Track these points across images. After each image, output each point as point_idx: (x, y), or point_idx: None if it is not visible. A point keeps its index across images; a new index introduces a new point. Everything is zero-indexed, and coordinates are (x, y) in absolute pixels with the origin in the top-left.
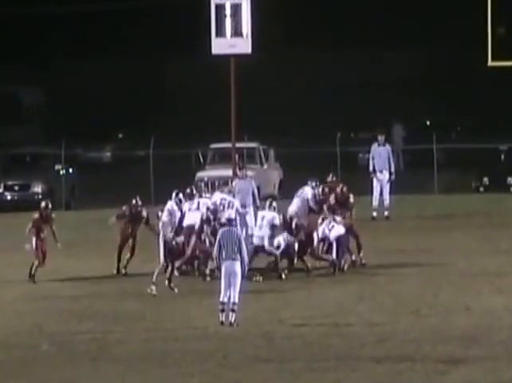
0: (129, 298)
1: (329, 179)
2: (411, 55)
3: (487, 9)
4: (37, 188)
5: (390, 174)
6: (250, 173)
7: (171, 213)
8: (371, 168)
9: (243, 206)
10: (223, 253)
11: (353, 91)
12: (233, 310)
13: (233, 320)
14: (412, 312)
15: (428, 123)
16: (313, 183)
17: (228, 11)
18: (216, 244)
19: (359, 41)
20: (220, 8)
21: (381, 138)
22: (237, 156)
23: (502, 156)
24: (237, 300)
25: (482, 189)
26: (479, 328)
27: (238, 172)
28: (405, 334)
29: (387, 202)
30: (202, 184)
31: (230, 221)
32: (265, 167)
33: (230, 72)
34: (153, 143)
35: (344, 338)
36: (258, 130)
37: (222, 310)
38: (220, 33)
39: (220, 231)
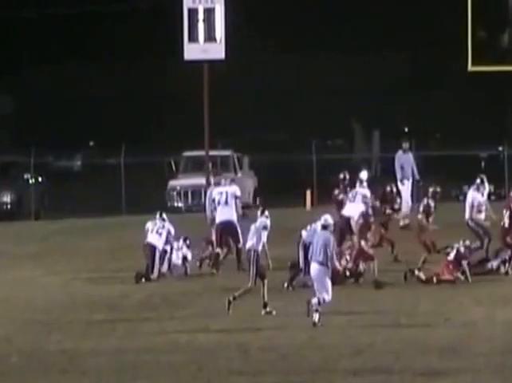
0: (100, 309)
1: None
2: (387, 60)
3: (467, 13)
4: (6, 198)
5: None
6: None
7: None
8: (399, 176)
9: None
10: None
11: (328, 97)
12: (316, 311)
13: (316, 319)
14: (391, 323)
15: (406, 130)
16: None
17: (201, 16)
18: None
19: (334, 46)
20: (193, 12)
21: (405, 145)
22: (210, 164)
23: (483, 164)
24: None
25: (461, 197)
26: (459, 339)
27: (213, 180)
28: (383, 345)
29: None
30: (175, 193)
31: (325, 226)
32: (240, 175)
33: (203, 78)
34: (125, 151)
35: (319, 350)
36: (232, 138)
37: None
38: (193, 38)
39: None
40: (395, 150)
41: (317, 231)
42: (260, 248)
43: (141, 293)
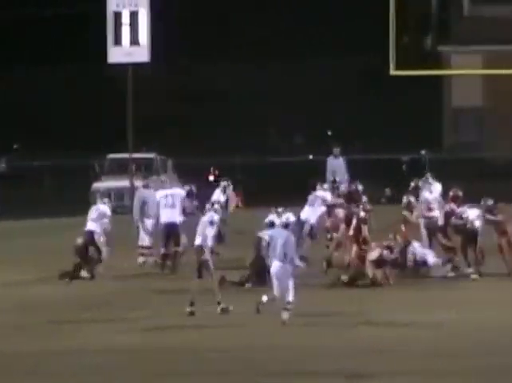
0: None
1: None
2: (311, 64)
3: (390, 17)
4: None
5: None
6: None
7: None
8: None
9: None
10: None
11: (251, 101)
12: (286, 309)
13: (285, 317)
14: (321, 325)
15: (329, 133)
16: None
17: (125, 19)
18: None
19: (260, 50)
20: (117, 16)
21: (336, 150)
22: (134, 167)
23: (404, 167)
24: (291, 299)
25: (383, 200)
26: (390, 342)
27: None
28: (307, 349)
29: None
30: (98, 195)
31: (286, 225)
32: (163, 178)
33: (128, 80)
34: (49, 153)
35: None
36: (157, 141)
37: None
38: (117, 41)
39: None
40: (322, 154)
41: (278, 230)
42: (210, 244)
43: (80, 293)
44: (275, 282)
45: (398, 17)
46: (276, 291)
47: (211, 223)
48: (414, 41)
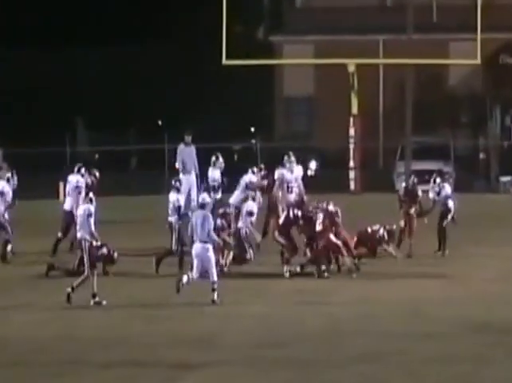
0: None
1: None
2: (137, 52)
3: (222, 7)
4: None
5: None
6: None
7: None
8: (181, 170)
9: None
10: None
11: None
12: (213, 289)
13: (215, 298)
14: (144, 316)
15: (160, 123)
16: None
17: None
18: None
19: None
20: None
21: (188, 138)
22: None
23: (236, 156)
24: (215, 278)
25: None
26: (212, 332)
27: None
28: (137, 338)
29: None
30: None
31: (203, 205)
32: None
33: None
34: None
35: (75, 342)
36: None
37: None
38: None
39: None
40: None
41: (196, 211)
42: (88, 237)
43: None
44: (195, 263)
45: (230, 7)
46: (195, 272)
47: (89, 215)
48: (246, 32)
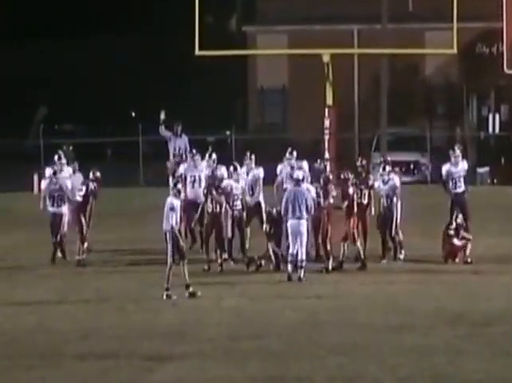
0: None
1: None
2: (110, 44)
3: None
4: None
5: None
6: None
7: None
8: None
9: None
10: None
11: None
12: (301, 267)
13: (302, 275)
14: (117, 308)
15: (134, 114)
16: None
17: None
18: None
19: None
20: None
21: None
22: None
23: (210, 148)
24: (304, 257)
25: None
26: (186, 324)
27: None
28: (110, 331)
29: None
30: None
31: (298, 181)
32: None
33: None
34: None
35: (48, 334)
36: None
37: (291, 262)
38: None
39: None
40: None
41: (290, 188)
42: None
43: None
44: (291, 239)
45: None
46: (291, 248)
47: None
48: (218, 22)
